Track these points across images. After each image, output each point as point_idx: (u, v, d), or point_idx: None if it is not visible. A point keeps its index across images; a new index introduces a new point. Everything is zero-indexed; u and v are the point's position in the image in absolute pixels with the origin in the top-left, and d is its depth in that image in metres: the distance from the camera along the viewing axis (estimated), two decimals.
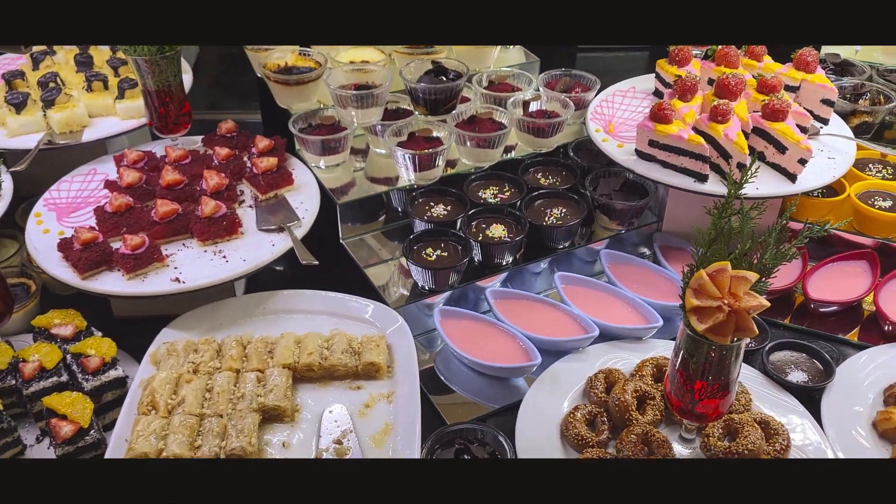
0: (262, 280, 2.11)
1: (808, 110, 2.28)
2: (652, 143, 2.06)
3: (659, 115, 2.02)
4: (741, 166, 1.97)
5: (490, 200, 2.18)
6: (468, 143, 2.18)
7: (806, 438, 1.69)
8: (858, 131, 2.32)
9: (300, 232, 1.99)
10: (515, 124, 2.28)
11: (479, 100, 2.35)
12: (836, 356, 1.92)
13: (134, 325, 1.93)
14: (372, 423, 1.67)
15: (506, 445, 1.61)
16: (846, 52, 2.69)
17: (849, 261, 2.14)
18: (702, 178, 2.02)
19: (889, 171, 2.29)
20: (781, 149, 2.01)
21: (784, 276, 2.07)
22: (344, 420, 1.66)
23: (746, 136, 2.07)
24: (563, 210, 2.14)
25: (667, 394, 1.62)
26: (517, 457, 1.63)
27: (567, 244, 2.13)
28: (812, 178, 2.04)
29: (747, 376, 1.83)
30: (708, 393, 1.54)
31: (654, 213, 2.28)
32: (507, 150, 2.31)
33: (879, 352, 1.90)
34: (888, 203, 2.16)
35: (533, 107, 2.34)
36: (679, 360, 1.53)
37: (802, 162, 1.99)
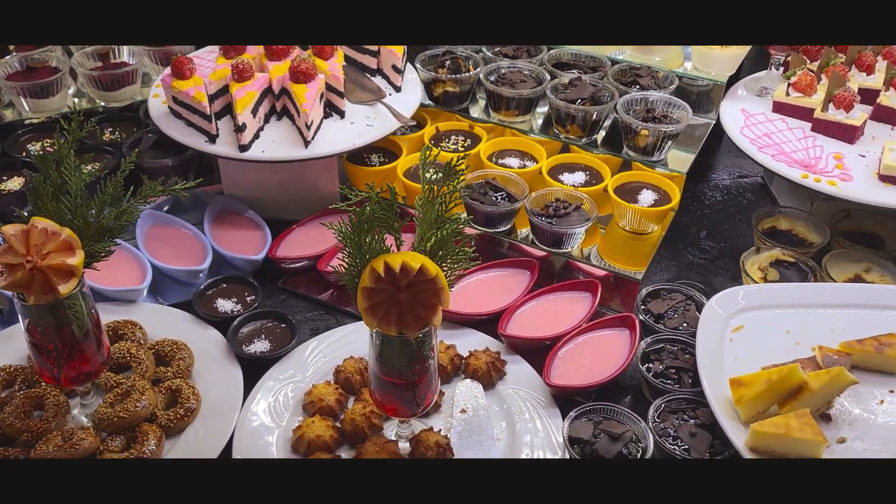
0: None
1: (385, 75, 2.21)
2: (175, 100, 1.98)
3: (177, 70, 1.94)
4: (243, 127, 1.89)
5: (34, 152, 2.10)
6: (19, 93, 2.09)
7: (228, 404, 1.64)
8: (445, 100, 2.25)
9: None
10: (85, 77, 2.20)
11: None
12: (324, 327, 1.87)
13: None
14: None
15: None
16: None
17: None
18: (211, 138, 1.94)
19: (466, 143, 2.22)
20: (298, 111, 1.94)
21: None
22: None
23: (277, 96, 2.01)
24: (98, 165, 2.07)
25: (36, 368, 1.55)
26: None
27: None
28: (331, 145, 1.97)
29: (212, 341, 1.78)
30: (65, 357, 1.48)
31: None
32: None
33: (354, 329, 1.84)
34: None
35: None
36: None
37: (308, 126, 1.92)
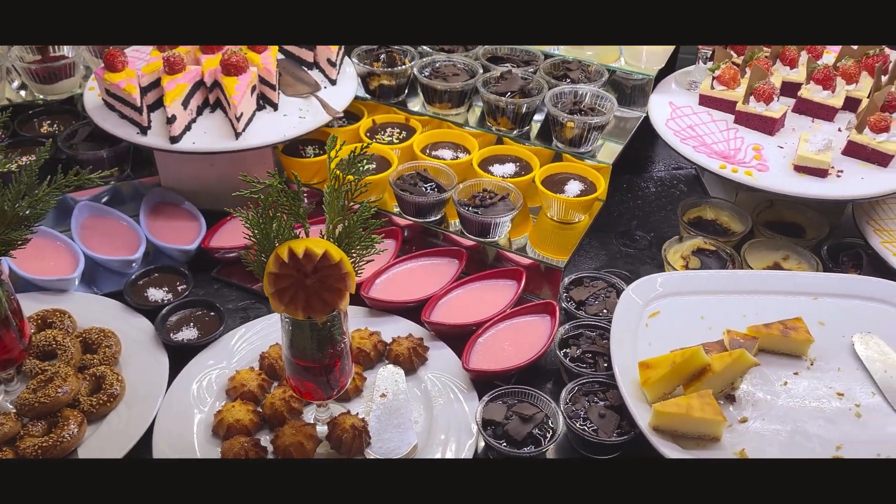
0: None
1: (321, 68, 2.25)
2: (108, 92, 2.01)
3: (109, 63, 1.96)
4: (173, 119, 1.92)
5: None
6: None
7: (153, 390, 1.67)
8: (382, 93, 2.29)
9: None
10: (23, 70, 2.22)
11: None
12: (254, 316, 1.91)
13: None
14: None
15: None
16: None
17: None
18: (143, 130, 1.97)
19: (402, 135, 2.26)
20: (228, 103, 1.97)
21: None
22: None
23: (209, 88, 2.04)
24: (31, 157, 2.09)
25: None
26: None
27: None
28: (262, 137, 2.00)
29: (141, 329, 1.80)
30: None
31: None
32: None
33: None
34: (372, 166, 2.12)
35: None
36: None
37: (238, 118, 1.95)
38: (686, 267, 1.97)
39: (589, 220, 2.11)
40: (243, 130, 1.98)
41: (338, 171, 1.37)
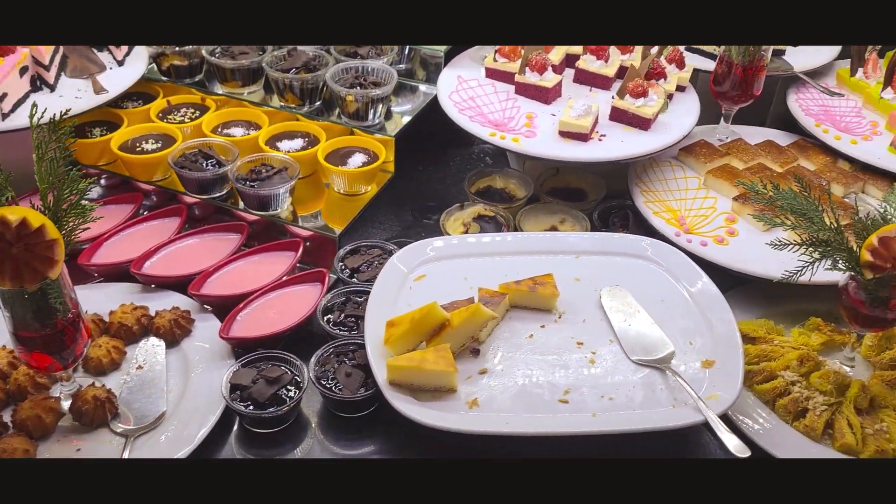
0: None
1: (109, 49, 2.23)
2: None
3: None
4: None
5: None
6: None
7: None
8: (176, 74, 2.29)
9: None
10: None
11: None
12: None
13: None
14: None
15: None
16: None
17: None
18: None
19: (195, 115, 2.26)
20: None
21: None
22: None
23: None
24: None
25: None
26: None
27: None
28: None
29: None
30: None
31: None
32: None
33: None
34: (157, 145, 2.13)
35: None
36: None
37: (3, 99, 1.93)
38: (466, 233, 2.03)
39: (375, 190, 2.15)
40: (11, 111, 1.96)
41: (41, 139, 1.37)
